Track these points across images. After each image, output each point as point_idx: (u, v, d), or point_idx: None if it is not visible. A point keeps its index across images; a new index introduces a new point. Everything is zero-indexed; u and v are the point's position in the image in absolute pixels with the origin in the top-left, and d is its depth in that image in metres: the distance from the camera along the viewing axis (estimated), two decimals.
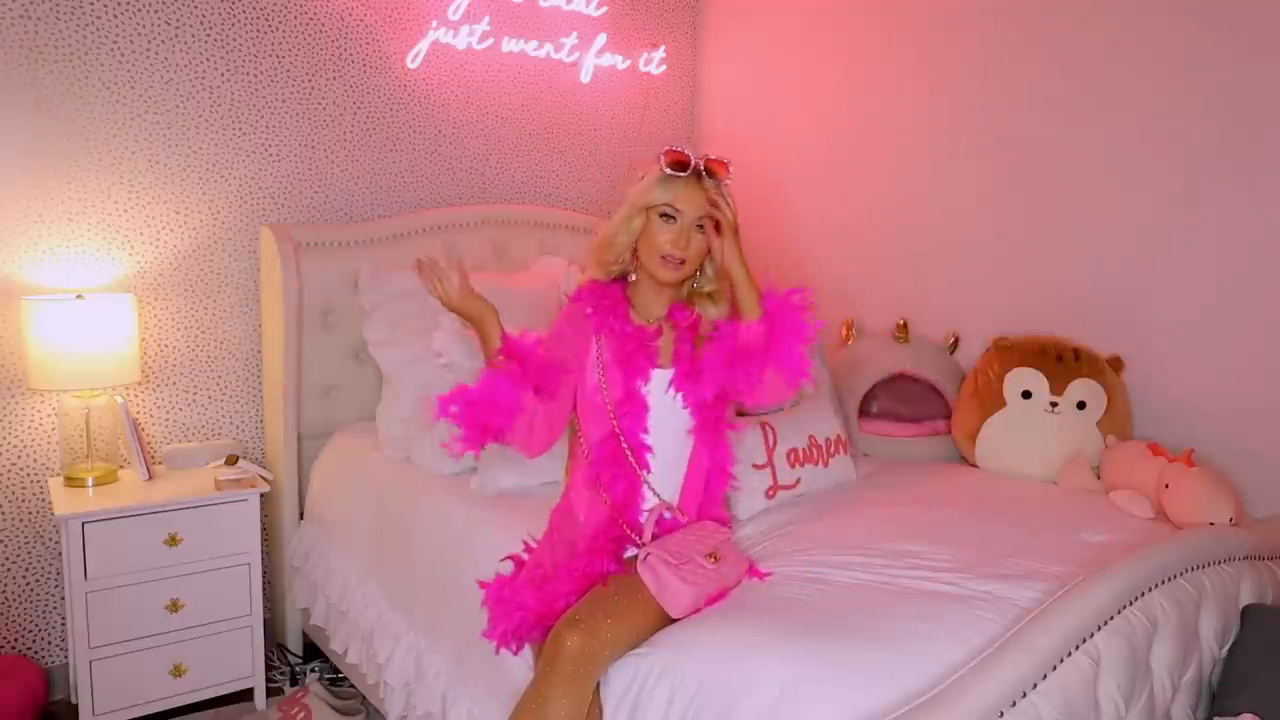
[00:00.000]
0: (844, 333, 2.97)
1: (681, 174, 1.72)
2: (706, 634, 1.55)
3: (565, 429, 1.77)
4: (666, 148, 1.76)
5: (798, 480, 2.26)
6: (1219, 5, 2.27)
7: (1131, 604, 1.50)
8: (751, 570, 1.79)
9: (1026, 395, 2.44)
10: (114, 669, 2.34)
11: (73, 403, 2.46)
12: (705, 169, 1.76)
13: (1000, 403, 2.47)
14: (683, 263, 1.75)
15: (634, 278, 1.84)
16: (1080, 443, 2.38)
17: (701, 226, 1.76)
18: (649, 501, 1.78)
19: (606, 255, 1.82)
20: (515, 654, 1.71)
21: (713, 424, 1.84)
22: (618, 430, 1.75)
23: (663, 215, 1.74)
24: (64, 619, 2.55)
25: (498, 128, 3.19)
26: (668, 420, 1.80)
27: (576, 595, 1.66)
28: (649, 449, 1.77)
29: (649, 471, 1.77)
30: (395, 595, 2.26)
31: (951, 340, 2.84)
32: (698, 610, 1.65)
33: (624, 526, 1.74)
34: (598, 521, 1.74)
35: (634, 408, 1.77)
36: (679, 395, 1.79)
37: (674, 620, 1.63)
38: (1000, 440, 2.47)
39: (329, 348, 2.74)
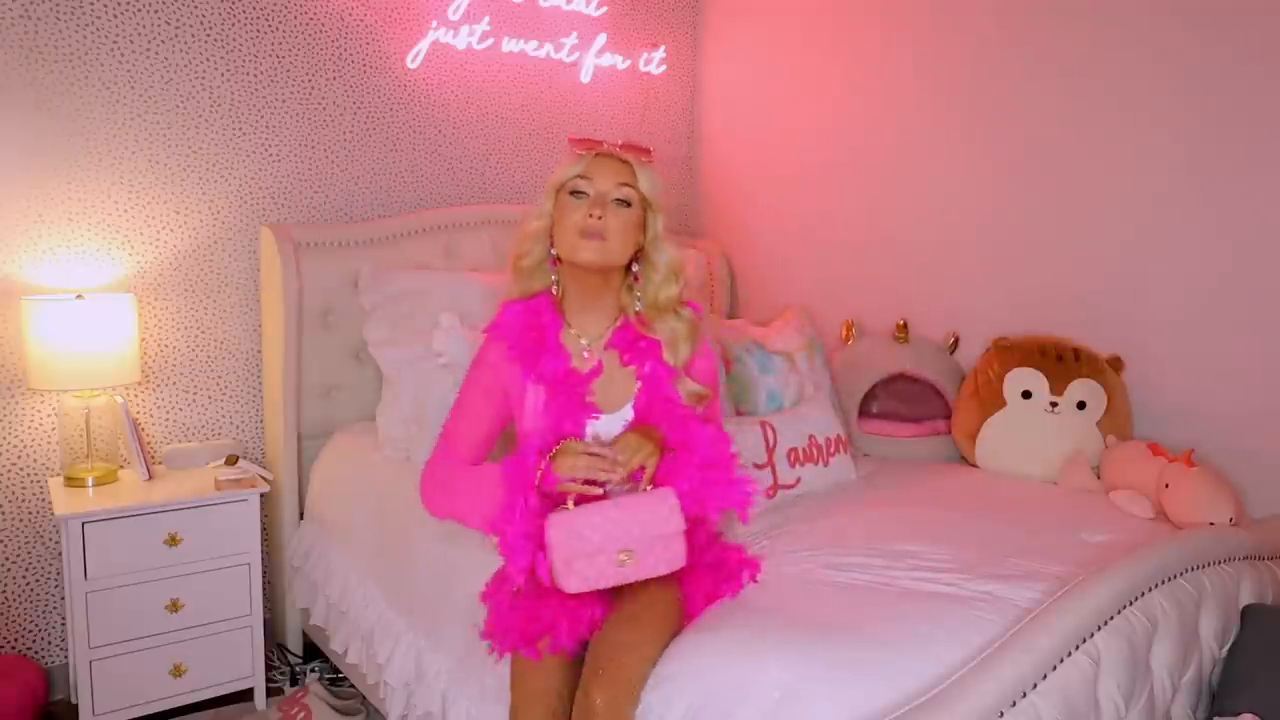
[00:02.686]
0: (844, 333, 2.97)
1: (588, 150, 1.61)
2: (708, 635, 1.55)
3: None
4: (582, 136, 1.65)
5: (798, 480, 2.26)
6: (1219, 5, 2.27)
7: (1131, 604, 1.50)
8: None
9: (1026, 395, 2.44)
10: (114, 669, 2.34)
11: (73, 403, 2.46)
12: (623, 147, 1.63)
13: (1000, 403, 2.47)
14: (603, 238, 1.57)
15: (557, 289, 1.67)
16: (1080, 443, 2.38)
17: (625, 202, 1.59)
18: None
19: (524, 260, 1.67)
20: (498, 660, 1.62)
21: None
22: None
23: (573, 193, 1.60)
24: (64, 619, 2.55)
25: (498, 128, 3.19)
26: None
27: (568, 619, 1.54)
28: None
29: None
30: (395, 595, 2.26)
31: (951, 340, 2.84)
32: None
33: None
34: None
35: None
36: None
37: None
38: (1000, 440, 2.47)
39: (329, 348, 2.74)
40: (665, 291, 1.64)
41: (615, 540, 1.50)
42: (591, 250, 1.57)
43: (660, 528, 1.51)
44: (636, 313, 1.66)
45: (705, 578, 1.62)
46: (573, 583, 1.51)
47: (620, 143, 1.64)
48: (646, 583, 1.55)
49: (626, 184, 1.59)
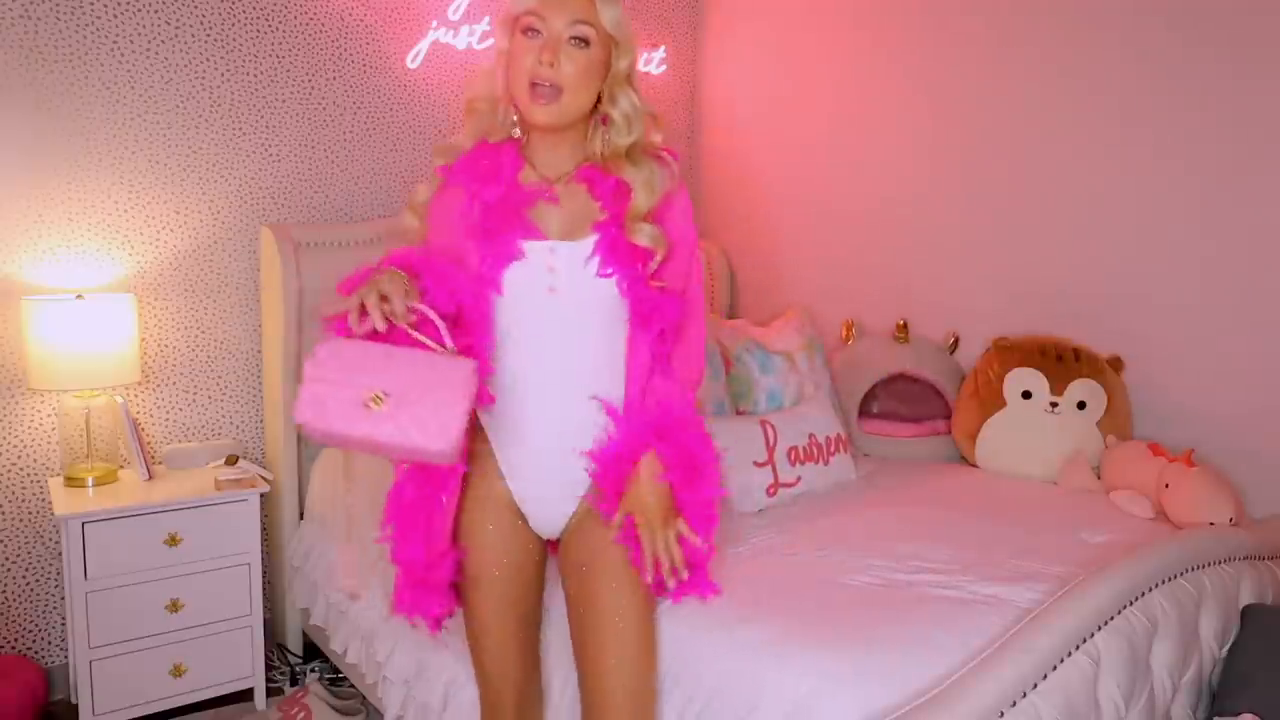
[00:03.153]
0: (844, 333, 2.97)
1: None
2: (718, 638, 1.54)
3: None
4: None
5: (798, 478, 2.27)
6: (1219, 6, 2.27)
7: (1131, 604, 1.50)
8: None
9: (1026, 395, 2.44)
10: (114, 669, 2.34)
11: (73, 403, 2.46)
12: None
13: (1000, 403, 2.47)
14: (557, 90, 1.38)
15: (519, 133, 1.49)
16: (1080, 443, 2.38)
17: (581, 40, 1.38)
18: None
19: (479, 104, 1.49)
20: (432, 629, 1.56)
21: (651, 309, 1.45)
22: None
23: (525, 30, 1.39)
24: (64, 619, 2.55)
25: None
26: (581, 312, 1.45)
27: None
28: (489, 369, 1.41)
29: (488, 403, 1.43)
30: None
31: (951, 340, 2.84)
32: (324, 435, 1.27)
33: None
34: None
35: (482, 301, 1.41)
36: (602, 272, 1.43)
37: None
38: (1000, 440, 2.47)
39: None
40: (621, 139, 1.45)
41: (375, 376, 1.24)
42: (541, 113, 1.39)
43: (439, 390, 1.25)
44: (603, 157, 1.48)
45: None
46: (304, 409, 1.24)
47: None
48: (605, 586, 1.44)
49: (583, 21, 1.38)
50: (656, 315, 1.46)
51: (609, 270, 1.44)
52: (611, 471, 1.44)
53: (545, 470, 1.51)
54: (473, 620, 1.55)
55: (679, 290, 1.51)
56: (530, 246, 1.44)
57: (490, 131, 1.50)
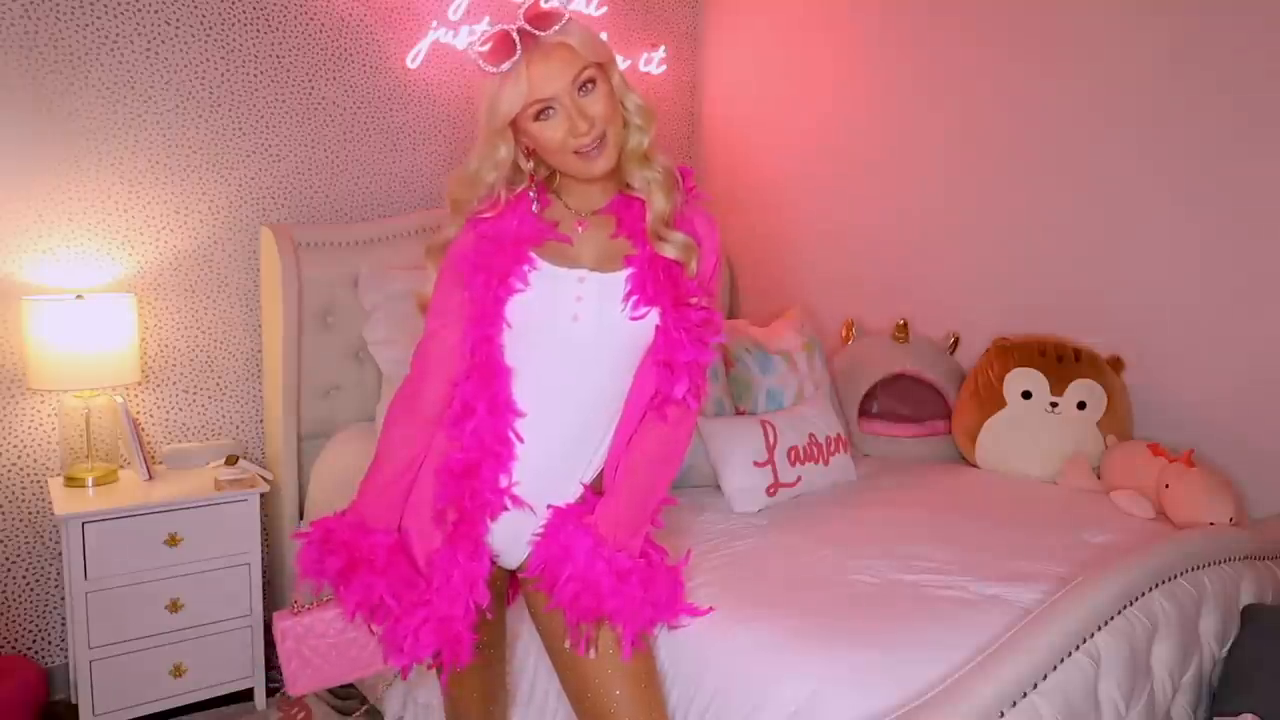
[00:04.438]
0: (844, 333, 2.97)
1: (510, 58, 1.33)
2: (718, 640, 1.54)
3: None
4: (482, 41, 1.35)
5: (799, 478, 2.27)
6: (1219, 5, 2.27)
7: (1131, 604, 1.50)
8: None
9: (1026, 395, 2.44)
10: (114, 669, 2.34)
11: (73, 403, 2.46)
12: (536, 28, 1.32)
13: (1000, 403, 2.47)
14: (599, 142, 1.33)
15: (539, 173, 1.44)
16: (1080, 443, 2.38)
17: (588, 84, 1.33)
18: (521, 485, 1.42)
19: (466, 194, 1.42)
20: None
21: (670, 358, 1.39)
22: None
23: (537, 117, 1.34)
24: (64, 619, 2.55)
25: None
26: (599, 345, 1.40)
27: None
28: (516, 412, 1.39)
29: (511, 453, 1.41)
30: None
31: (951, 340, 2.84)
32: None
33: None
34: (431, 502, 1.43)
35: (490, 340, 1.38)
36: (635, 314, 1.37)
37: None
38: (1000, 440, 2.47)
39: (329, 348, 2.73)
40: (641, 141, 1.40)
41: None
42: (600, 164, 1.35)
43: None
44: (625, 160, 1.42)
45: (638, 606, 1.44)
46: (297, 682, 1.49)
47: (522, 21, 1.34)
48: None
49: (577, 68, 1.33)
50: (681, 355, 1.39)
51: (642, 312, 1.38)
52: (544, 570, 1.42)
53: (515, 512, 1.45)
54: None
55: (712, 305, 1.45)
56: (552, 272, 1.39)
57: (470, 205, 1.43)
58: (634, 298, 1.38)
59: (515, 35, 1.32)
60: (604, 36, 1.40)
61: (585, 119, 1.32)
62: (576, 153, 1.33)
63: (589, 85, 1.33)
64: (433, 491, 1.45)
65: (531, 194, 1.43)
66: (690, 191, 1.46)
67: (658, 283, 1.38)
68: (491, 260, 1.38)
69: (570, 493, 1.46)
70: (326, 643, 1.49)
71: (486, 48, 1.35)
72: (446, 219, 1.46)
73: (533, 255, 1.39)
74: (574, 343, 1.40)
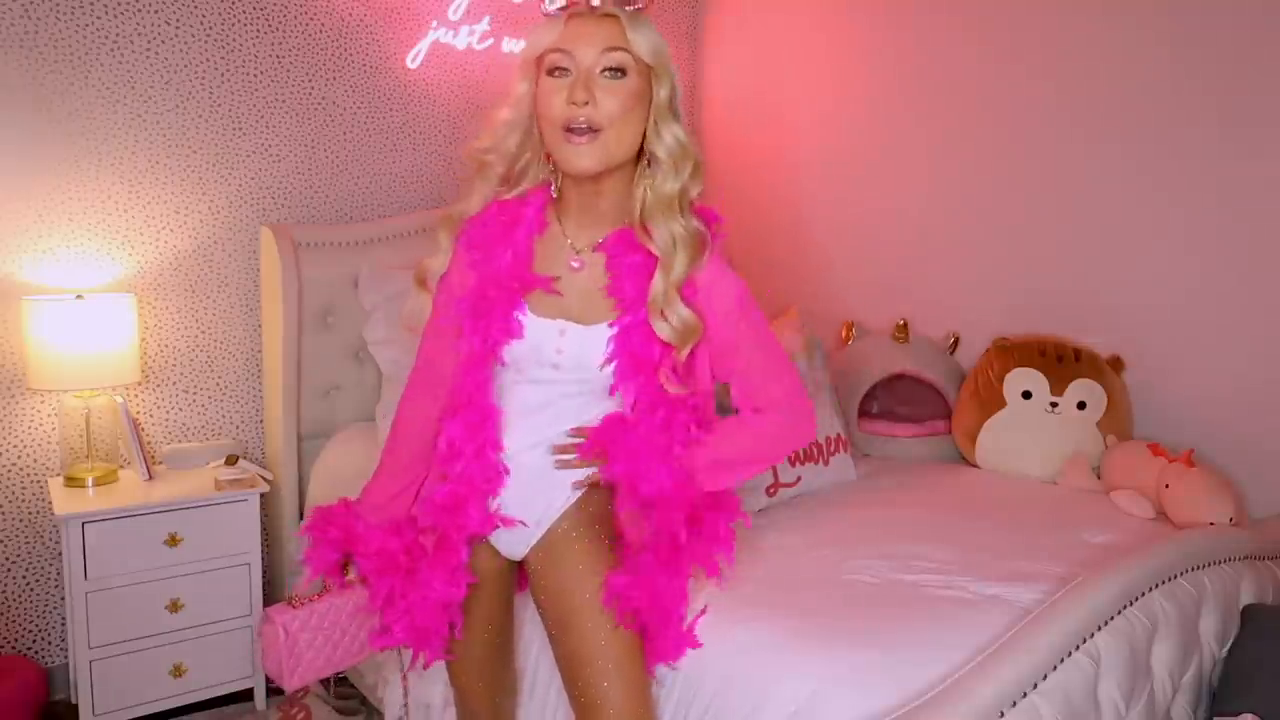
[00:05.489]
0: (844, 333, 2.97)
1: (564, 7, 1.25)
2: (718, 640, 1.54)
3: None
4: None
5: (798, 478, 2.26)
6: (1215, 5, 2.27)
7: (1131, 604, 1.50)
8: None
9: (1026, 395, 2.44)
10: (114, 669, 2.34)
11: (73, 403, 2.46)
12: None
13: (1000, 403, 2.47)
14: (595, 132, 1.23)
15: (556, 189, 1.35)
16: (1080, 443, 2.38)
17: (616, 70, 1.23)
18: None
19: (491, 157, 1.33)
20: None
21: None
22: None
23: (550, 71, 1.25)
24: (64, 619, 2.55)
25: None
26: (580, 388, 1.37)
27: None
28: (504, 469, 1.40)
29: (498, 488, 1.41)
30: None
31: (951, 340, 2.84)
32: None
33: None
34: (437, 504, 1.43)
35: (479, 390, 1.35)
36: (615, 385, 1.34)
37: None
38: (1000, 440, 2.47)
39: (329, 348, 2.74)
40: (666, 187, 1.28)
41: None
42: (581, 155, 1.23)
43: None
44: (643, 210, 1.31)
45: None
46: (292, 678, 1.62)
47: None
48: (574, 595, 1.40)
49: (616, 47, 1.23)
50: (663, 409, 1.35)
51: (622, 383, 1.33)
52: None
53: (516, 500, 1.46)
54: None
55: (706, 391, 1.39)
56: (536, 324, 1.34)
57: (505, 188, 1.36)
58: (613, 364, 1.33)
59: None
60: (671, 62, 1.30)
61: (586, 92, 1.22)
62: (566, 129, 1.23)
63: (617, 72, 1.24)
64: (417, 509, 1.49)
65: (553, 183, 1.35)
66: (716, 238, 1.37)
67: (638, 362, 1.32)
68: (492, 309, 1.34)
69: (560, 500, 1.45)
70: (322, 635, 1.52)
71: None
72: (468, 186, 1.38)
73: (523, 302, 1.36)
74: (558, 376, 1.39)
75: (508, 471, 1.42)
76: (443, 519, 1.42)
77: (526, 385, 1.41)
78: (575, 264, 1.35)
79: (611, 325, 1.33)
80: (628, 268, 1.31)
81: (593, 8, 1.24)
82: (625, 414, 1.37)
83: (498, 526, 1.44)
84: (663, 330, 1.30)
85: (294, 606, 1.55)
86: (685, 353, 1.33)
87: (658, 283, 1.29)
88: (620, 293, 1.32)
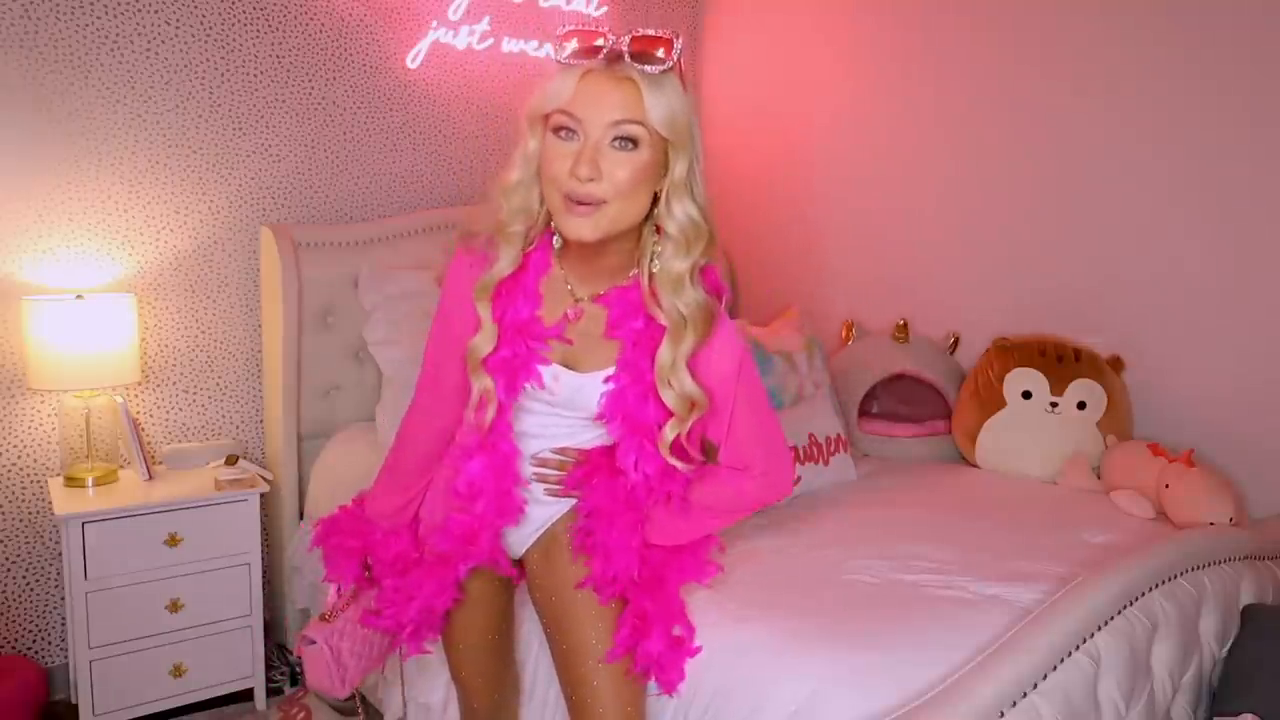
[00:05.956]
0: (844, 333, 2.97)
1: (583, 61, 1.16)
2: (718, 640, 1.54)
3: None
4: (568, 34, 1.17)
5: (798, 479, 2.26)
6: (1220, 4, 2.27)
7: (1131, 604, 1.50)
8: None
9: (1026, 395, 2.44)
10: (114, 669, 2.34)
11: (73, 403, 2.46)
12: (630, 53, 1.16)
13: (1000, 403, 2.47)
14: (595, 205, 1.16)
15: (558, 238, 1.30)
16: (1080, 443, 2.38)
17: (627, 140, 1.15)
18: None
19: (511, 227, 1.27)
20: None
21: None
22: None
23: (557, 130, 1.17)
24: (64, 619, 2.55)
25: (498, 128, 3.19)
26: (574, 422, 1.40)
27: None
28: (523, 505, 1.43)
29: (513, 522, 1.44)
30: None
31: (951, 340, 2.84)
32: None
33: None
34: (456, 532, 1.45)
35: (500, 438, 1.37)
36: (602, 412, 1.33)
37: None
38: (1000, 440, 2.47)
39: (329, 348, 2.74)
40: (675, 265, 1.22)
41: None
42: (582, 227, 1.17)
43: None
44: (651, 276, 1.25)
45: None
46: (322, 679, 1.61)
47: (625, 40, 1.16)
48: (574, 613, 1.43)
49: (628, 119, 1.15)
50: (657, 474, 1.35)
51: (619, 439, 1.33)
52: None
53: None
54: (445, 633, 1.60)
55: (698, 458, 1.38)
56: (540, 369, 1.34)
57: (532, 236, 1.30)
58: (604, 418, 1.33)
59: (604, 43, 1.17)
60: (695, 127, 1.24)
61: (592, 167, 1.14)
62: (565, 196, 1.17)
63: (628, 143, 1.16)
64: (425, 526, 1.54)
65: (556, 232, 1.30)
66: (720, 301, 1.33)
67: (631, 417, 1.31)
68: (517, 369, 1.32)
69: (560, 502, 1.47)
70: (361, 640, 1.61)
71: (572, 42, 1.17)
72: (493, 239, 1.30)
73: (547, 358, 1.34)
74: (552, 410, 1.40)
75: (525, 506, 1.44)
76: (455, 547, 1.45)
77: (524, 413, 1.43)
78: (572, 314, 1.33)
79: (607, 380, 1.32)
80: (632, 333, 1.29)
81: (617, 66, 1.16)
82: (614, 458, 1.37)
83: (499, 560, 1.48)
84: (668, 398, 1.28)
85: (328, 621, 1.57)
86: (689, 426, 1.30)
87: (665, 354, 1.26)
88: (623, 357, 1.30)
